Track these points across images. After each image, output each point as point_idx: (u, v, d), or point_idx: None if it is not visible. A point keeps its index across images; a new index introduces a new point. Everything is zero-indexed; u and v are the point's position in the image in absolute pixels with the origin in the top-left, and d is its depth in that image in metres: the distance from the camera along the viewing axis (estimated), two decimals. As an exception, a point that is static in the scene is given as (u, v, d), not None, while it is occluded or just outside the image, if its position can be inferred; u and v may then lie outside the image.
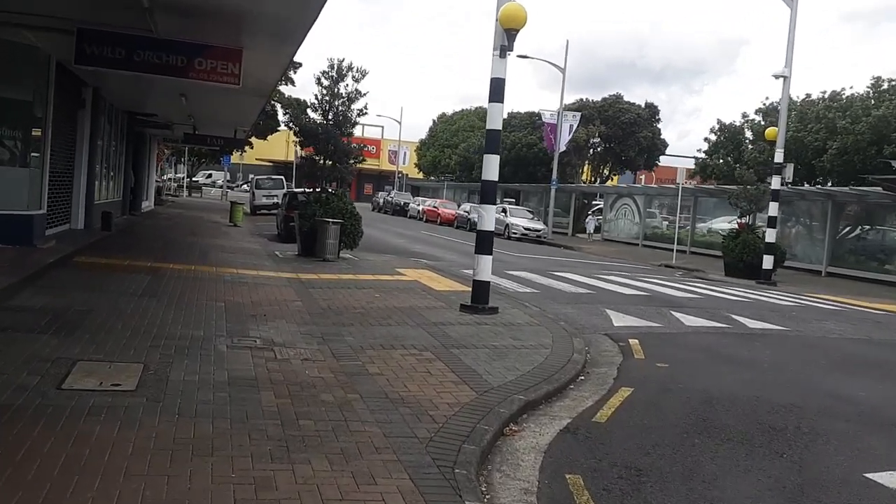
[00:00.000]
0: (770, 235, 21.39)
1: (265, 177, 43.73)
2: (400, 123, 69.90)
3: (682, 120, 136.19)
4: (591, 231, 42.26)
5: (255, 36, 11.04)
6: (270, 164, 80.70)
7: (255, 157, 70.56)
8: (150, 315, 8.41)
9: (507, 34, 10.26)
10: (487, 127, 10.65)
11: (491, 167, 10.66)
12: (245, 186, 78.46)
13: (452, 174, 66.63)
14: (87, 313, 8.16)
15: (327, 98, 17.59)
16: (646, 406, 6.64)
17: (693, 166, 44.12)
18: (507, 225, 36.91)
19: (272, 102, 41.51)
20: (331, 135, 17.36)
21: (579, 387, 7.28)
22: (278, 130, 46.71)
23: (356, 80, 17.65)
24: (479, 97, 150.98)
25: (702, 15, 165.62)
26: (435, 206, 48.84)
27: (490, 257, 10.69)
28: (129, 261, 12.81)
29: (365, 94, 17.74)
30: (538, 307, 11.56)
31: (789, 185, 26.23)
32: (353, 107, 17.66)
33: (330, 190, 17.96)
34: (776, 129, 22.09)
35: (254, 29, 10.70)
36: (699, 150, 41.36)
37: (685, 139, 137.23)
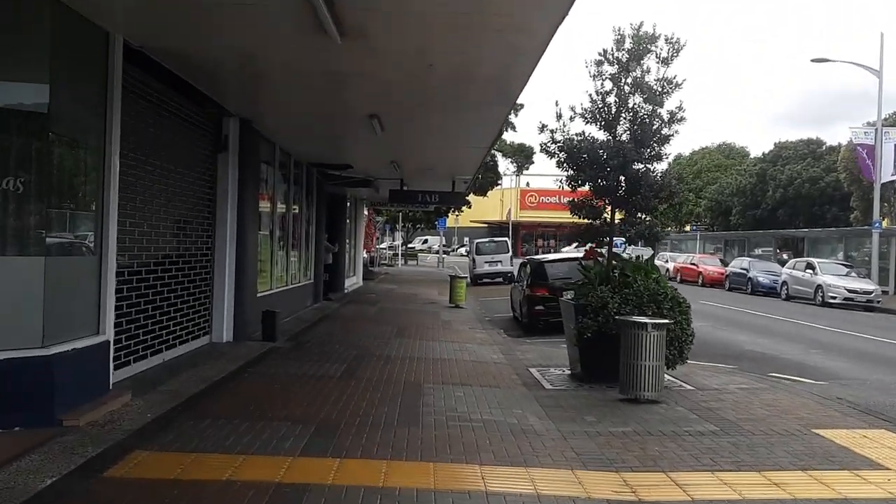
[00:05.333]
0: None
1: (486, 240, 37.08)
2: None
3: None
4: None
5: None
6: (485, 225, 75.33)
7: (469, 219, 65.15)
8: None
9: None
10: None
11: None
12: (462, 251, 73.51)
13: (697, 222, 56.25)
14: None
15: (615, 96, 9.83)
16: None
17: None
18: (820, 286, 26.57)
19: (492, 151, 35.01)
20: (627, 158, 9.48)
21: None
22: (499, 185, 40.10)
23: (664, 62, 9.76)
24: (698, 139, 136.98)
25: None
26: (693, 263, 39.03)
27: None
28: (243, 457, 5.60)
29: (681, 85, 9.75)
30: None
31: None
32: (660, 109, 9.75)
33: (603, 256, 10.07)
34: None
35: None
36: None
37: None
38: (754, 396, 8.56)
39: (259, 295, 12.87)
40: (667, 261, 43.71)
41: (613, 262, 9.82)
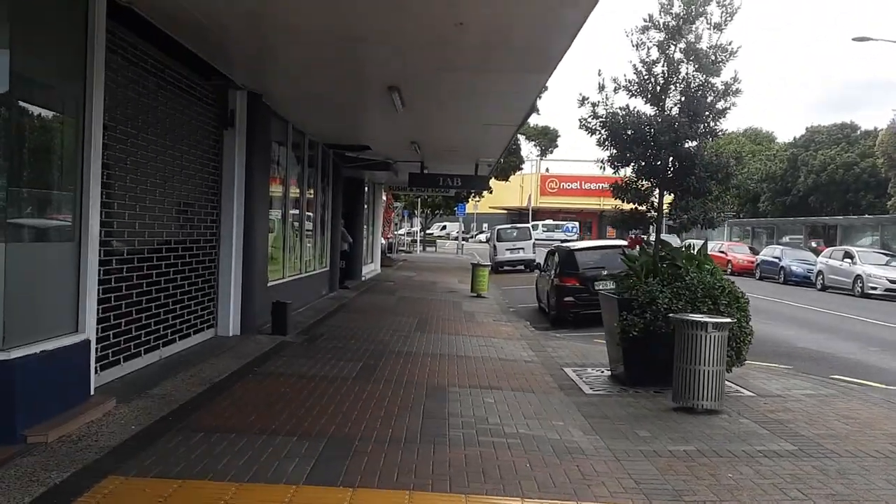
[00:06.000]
0: None
1: (508, 226, 36.02)
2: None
3: None
4: None
5: None
6: (505, 211, 74.07)
7: (489, 205, 63.86)
8: None
9: None
10: None
11: None
12: (481, 237, 72.34)
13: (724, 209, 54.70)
14: None
15: (662, 66, 8.76)
16: None
17: None
18: (859, 276, 25.26)
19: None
20: (680, 134, 8.43)
21: None
22: (521, 169, 38.96)
23: (717, 28, 8.66)
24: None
25: None
26: (722, 251, 37.66)
27: None
28: (237, 485, 4.66)
29: (736, 53, 8.63)
30: None
31: None
32: (713, 80, 8.66)
33: (649, 243, 9.04)
34: None
35: None
36: None
37: None
38: (826, 406, 7.51)
39: (270, 284, 11.99)
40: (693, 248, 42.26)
41: (661, 251, 8.79)
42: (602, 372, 9.19)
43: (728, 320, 7.24)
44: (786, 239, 43.19)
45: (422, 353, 10.05)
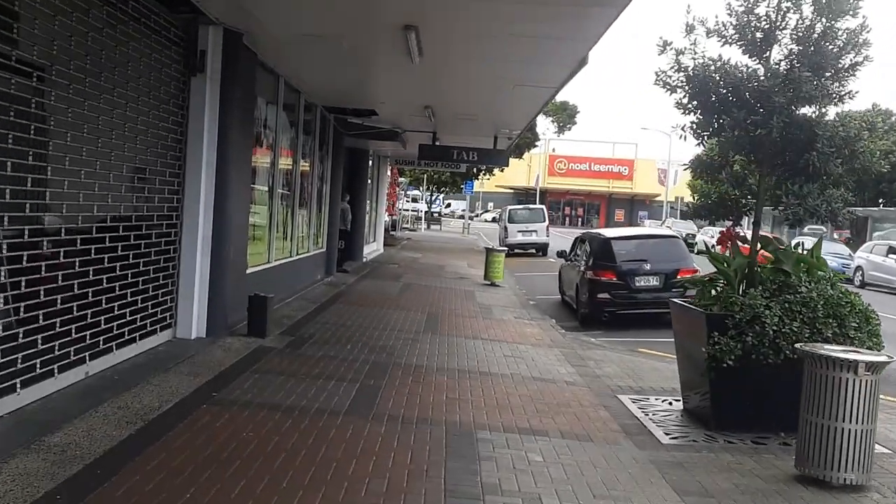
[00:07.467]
0: None
1: (520, 207, 33.88)
2: (670, 137, 57.04)
3: None
4: None
5: None
6: (511, 191, 71.84)
7: (495, 183, 61.59)
8: None
9: None
10: None
11: None
12: (487, 216, 70.18)
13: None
14: None
15: (769, 5, 6.54)
16: None
17: None
18: (906, 275, 23.13)
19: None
20: (801, 94, 6.23)
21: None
22: (536, 146, 36.62)
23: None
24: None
25: None
26: (745, 241, 35.43)
27: None
28: None
29: (868, -11, 6.39)
30: None
31: None
32: (839, 25, 6.44)
33: (743, 239, 6.91)
34: None
35: None
36: None
37: None
38: None
39: (252, 270, 9.88)
40: (712, 236, 40.22)
41: (763, 251, 6.65)
42: (671, 404, 7.09)
43: (885, 359, 5.09)
44: (806, 229, 41.02)
45: (435, 368, 7.94)
